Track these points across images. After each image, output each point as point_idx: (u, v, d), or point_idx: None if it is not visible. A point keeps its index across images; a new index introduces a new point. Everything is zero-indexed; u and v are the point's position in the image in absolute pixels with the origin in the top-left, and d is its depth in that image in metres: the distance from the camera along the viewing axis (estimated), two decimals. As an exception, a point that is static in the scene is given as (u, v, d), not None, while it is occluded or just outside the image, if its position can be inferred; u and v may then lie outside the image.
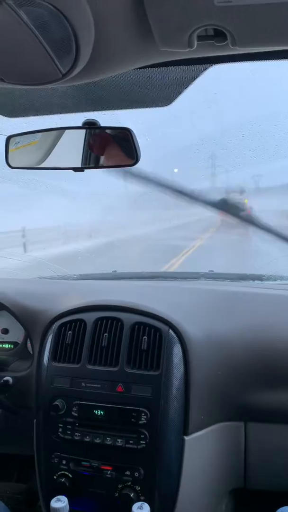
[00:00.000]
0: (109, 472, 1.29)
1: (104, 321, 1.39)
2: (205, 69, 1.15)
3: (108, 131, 1.28)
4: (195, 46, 0.77)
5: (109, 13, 0.70)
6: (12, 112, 1.46)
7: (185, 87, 1.27)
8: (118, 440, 1.28)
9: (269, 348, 1.39)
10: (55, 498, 1.25)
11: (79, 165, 1.28)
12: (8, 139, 1.30)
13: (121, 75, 0.94)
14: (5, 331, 1.71)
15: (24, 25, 0.66)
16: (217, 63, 1.09)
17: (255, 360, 1.37)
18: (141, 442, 1.26)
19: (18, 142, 1.31)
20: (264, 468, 1.44)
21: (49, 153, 1.31)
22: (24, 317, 1.57)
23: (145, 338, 1.33)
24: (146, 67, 0.93)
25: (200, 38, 0.76)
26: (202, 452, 1.35)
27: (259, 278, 1.98)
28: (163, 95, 1.34)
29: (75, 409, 1.34)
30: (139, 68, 0.92)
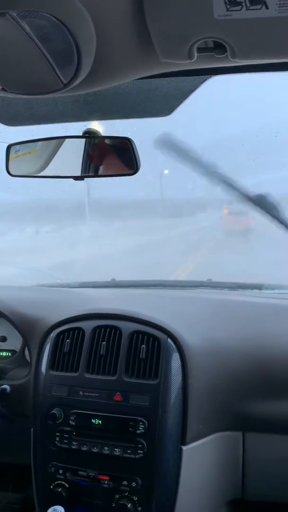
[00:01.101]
0: (106, 482, 1.28)
1: (103, 329, 1.39)
2: (205, 80, 1.16)
3: (107, 140, 1.28)
4: (195, 58, 0.78)
5: (110, 25, 0.71)
6: (13, 120, 1.47)
7: (185, 98, 1.28)
8: (115, 449, 1.27)
9: (267, 358, 1.39)
10: (51, 508, 1.24)
11: (79, 173, 1.29)
12: (8, 148, 1.31)
13: (122, 85, 0.95)
14: (3, 339, 1.70)
15: (26, 36, 0.66)
16: (217, 74, 1.10)
17: (254, 370, 1.37)
18: (138, 451, 1.25)
19: (19, 150, 1.32)
20: (262, 479, 1.43)
21: (49, 162, 1.32)
22: (22, 325, 1.57)
23: (143, 347, 1.33)
24: (147, 77, 0.94)
25: (200, 50, 0.77)
26: (200, 462, 1.34)
27: (258, 287, 1.98)
28: (163, 105, 1.35)
29: (73, 418, 1.33)
30: (140, 78, 0.93)
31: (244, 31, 0.71)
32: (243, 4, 0.65)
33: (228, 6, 0.66)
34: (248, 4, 0.65)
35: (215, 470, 1.39)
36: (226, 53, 0.77)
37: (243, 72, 1.04)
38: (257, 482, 1.43)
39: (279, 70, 1.02)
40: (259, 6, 0.65)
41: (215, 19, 0.68)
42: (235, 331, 1.46)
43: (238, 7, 0.66)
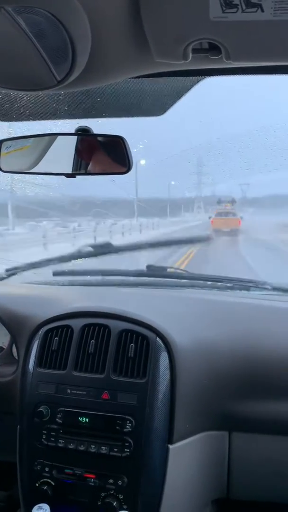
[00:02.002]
0: (92, 480, 1.28)
1: (91, 327, 1.39)
2: (199, 80, 1.16)
3: (100, 138, 1.28)
4: (190, 59, 0.79)
5: (106, 24, 0.71)
6: (5, 116, 1.46)
7: (179, 98, 1.28)
8: (102, 447, 1.27)
9: (255, 358, 1.40)
10: (36, 506, 1.23)
11: (70, 171, 1.29)
12: (0, 143, 1.30)
13: (116, 84, 0.95)
14: None
15: (21, 31, 0.66)
16: (211, 76, 1.10)
17: (241, 369, 1.37)
18: (125, 450, 1.25)
19: (10, 146, 1.31)
20: (247, 479, 1.44)
21: (41, 158, 1.31)
22: (10, 321, 1.56)
23: (132, 345, 1.33)
24: (141, 77, 0.94)
25: (195, 51, 0.77)
26: (186, 461, 1.35)
27: (247, 288, 2.00)
28: (156, 105, 1.35)
29: (60, 415, 1.33)
30: (134, 77, 0.93)
31: (239, 33, 0.71)
32: (239, 6, 0.66)
33: (224, 8, 0.66)
34: (244, 7, 0.66)
35: (201, 469, 1.39)
36: (220, 54, 0.77)
37: (237, 74, 1.05)
38: (242, 481, 1.44)
39: (273, 73, 1.03)
40: (254, 9, 0.66)
41: (211, 21, 0.68)
42: (224, 331, 1.46)
43: (234, 9, 0.66)
